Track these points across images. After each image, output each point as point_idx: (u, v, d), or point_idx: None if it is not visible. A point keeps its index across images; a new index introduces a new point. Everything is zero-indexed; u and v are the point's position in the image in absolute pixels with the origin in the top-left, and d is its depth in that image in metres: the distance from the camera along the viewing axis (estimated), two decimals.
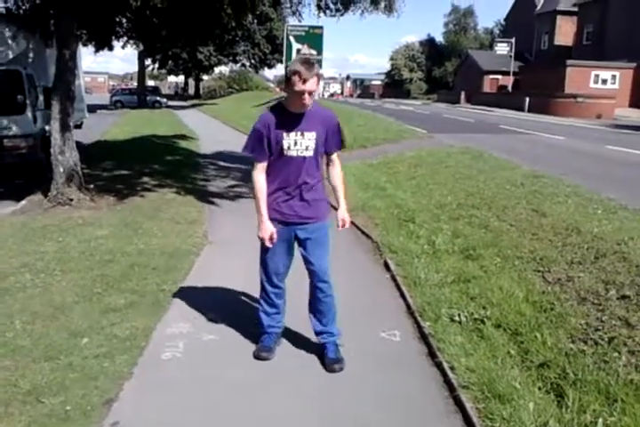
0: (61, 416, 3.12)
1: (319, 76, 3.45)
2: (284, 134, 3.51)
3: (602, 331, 3.93)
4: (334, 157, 3.79)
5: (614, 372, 3.42)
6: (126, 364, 3.73)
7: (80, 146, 10.24)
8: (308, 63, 3.39)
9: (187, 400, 3.35)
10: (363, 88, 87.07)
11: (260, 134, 3.54)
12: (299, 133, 3.52)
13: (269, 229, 3.61)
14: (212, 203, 8.85)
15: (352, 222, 7.31)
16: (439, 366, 3.77)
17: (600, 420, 2.99)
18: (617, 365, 3.49)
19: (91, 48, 12.12)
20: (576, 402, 3.18)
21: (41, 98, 10.66)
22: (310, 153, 3.57)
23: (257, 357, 3.82)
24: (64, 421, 3.08)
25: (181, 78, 74.95)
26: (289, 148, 3.52)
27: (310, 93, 3.41)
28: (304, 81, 3.34)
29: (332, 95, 75.19)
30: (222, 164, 12.79)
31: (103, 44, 12.30)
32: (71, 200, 7.98)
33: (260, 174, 3.65)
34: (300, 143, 3.53)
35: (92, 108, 27.31)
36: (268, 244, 3.63)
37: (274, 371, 3.69)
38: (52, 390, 3.38)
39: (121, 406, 3.27)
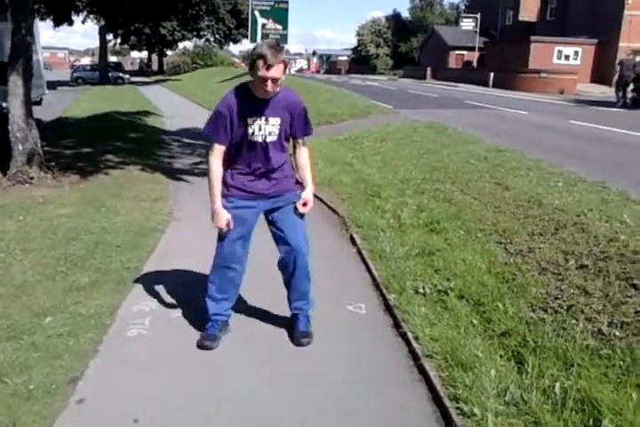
0: (25, 395, 3.09)
1: (286, 64, 3.31)
2: (248, 119, 3.39)
3: (561, 299, 4.03)
4: (301, 142, 3.67)
5: (572, 338, 3.52)
6: (91, 342, 3.71)
7: (40, 123, 10.00)
8: (275, 48, 3.21)
9: (153, 377, 3.35)
10: (329, 64, 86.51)
11: (222, 117, 3.40)
12: (262, 119, 3.40)
13: (224, 216, 3.51)
14: (177, 180, 8.77)
15: (318, 197, 7.40)
16: (404, 336, 3.84)
17: (557, 384, 3.08)
18: (575, 331, 3.59)
19: (49, 22, 11.81)
20: (535, 368, 3.27)
21: None
22: (274, 138, 3.47)
23: (200, 346, 3.66)
24: (27, 400, 3.05)
25: (145, 54, 73.47)
26: (253, 133, 3.41)
27: (275, 81, 3.25)
28: (268, 67, 3.17)
29: (300, 70, 74.38)
30: (187, 140, 12.64)
31: (62, 18, 12.02)
32: (32, 179, 7.83)
33: (217, 158, 3.49)
34: (264, 129, 3.42)
35: (53, 85, 26.71)
36: (224, 230, 3.54)
37: (240, 347, 3.71)
38: (15, 369, 3.34)
39: (86, 383, 3.26)
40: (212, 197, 3.51)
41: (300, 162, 3.69)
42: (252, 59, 3.25)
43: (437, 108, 18.93)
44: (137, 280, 4.75)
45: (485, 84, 35.22)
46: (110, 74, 40.39)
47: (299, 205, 3.63)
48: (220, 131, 3.42)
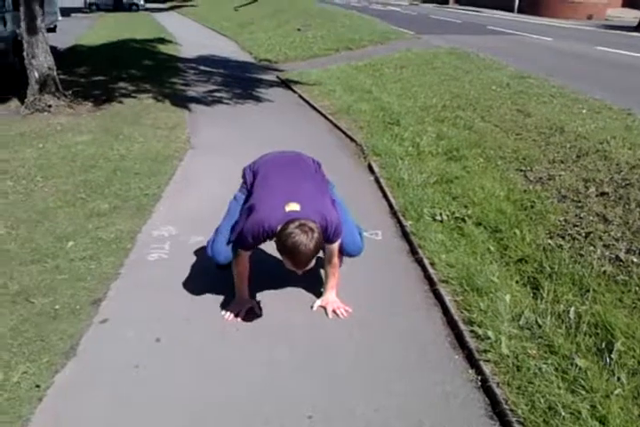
0: (51, 315, 3.20)
1: (318, 249, 2.82)
2: None
3: (579, 227, 4.01)
4: (333, 246, 3.20)
5: (589, 264, 3.53)
6: (113, 265, 3.79)
7: (55, 51, 9.87)
8: (312, 253, 2.75)
9: (173, 299, 3.43)
10: None
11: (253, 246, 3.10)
12: None
13: (247, 305, 3.30)
14: (193, 108, 8.67)
15: (336, 126, 7.32)
16: (420, 262, 3.87)
17: (572, 309, 3.11)
18: (592, 258, 3.60)
19: None
20: (551, 293, 3.30)
21: None
22: None
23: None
24: (53, 319, 3.16)
25: None
26: None
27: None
28: (296, 267, 2.87)
29: None
30: (203, 68, 12.42)
31: None
32: (49, 106, 7.79)
33: (246, 259, 3.18)
34: None
35: (66, 12, 26.11)
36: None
37: (262, 272, 3.76)
38: (41, 291, 3.44)
39: (109, 304, 3.36)
40: (242, 290, 3.32)
41: (326, 260, 3.33)
42: (279, 248, 2.81)
43: (460, 33, 18.31)
44: (156, 206, 4.80)
45: (510, 10, 33.83)
46: (124, 0, 39.33)
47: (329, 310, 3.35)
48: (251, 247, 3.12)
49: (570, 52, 13.73)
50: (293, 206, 2.84)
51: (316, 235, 2.73)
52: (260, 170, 3.23)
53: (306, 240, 2.68)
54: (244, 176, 3.35)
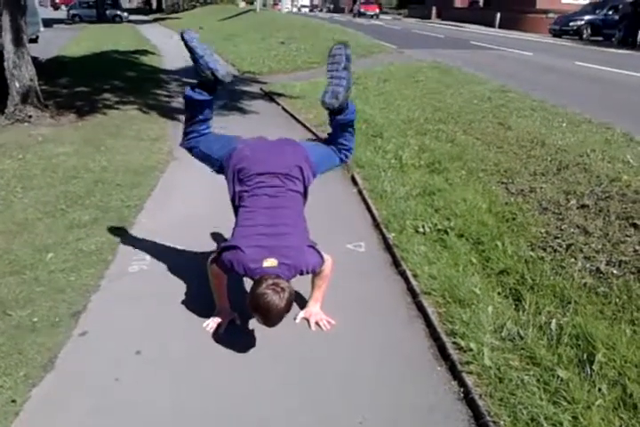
0: (29, 328, 3.15)
1: (289, 308, 2.83)
2: None
3: (560, 239, 4.04)
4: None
5: (570, 276, 3.56)
6: (93, 277, 3.75)
7: (37, 62, 9.83)
8: (276, 319, 2.81)
9: (154, 311, 3.40)
10: (333, 2, 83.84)
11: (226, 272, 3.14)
12: None
13: (229, 316, 3.32)
14: (176, 119, 8.60)
15: (320, 138, 7.33)
16: (403, 274, 3.87)
17: (554, 320, 3.13)
18: (573, 270, 3.63)
19: None
20: (532, 305, 3.31)
21: None
22: None
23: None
24: (32, 331, 3.11)
25: None
26: None
27: None
28: (267, 325, 2.88)
29: (311, 10, 69.99)
30: (185, 79, 12.36)
31: None
32: (30, 117, 7.73)
33: (221, 272, 3.16)
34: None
35: (49, 23, 26.08)
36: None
37: (243, 282, 3.73)
38: (19, 303, 3.40)
39: (89, 317, 3.32)
40: (222, 302, 3.33)
41: (313, 280, 3.36)
42: (254, 308, 2.80)
43: (442, 48, 18.49)
44: (137, 218, 4.77)
45: (491, 25, 34.27)
46: (108, 11, 39.25)
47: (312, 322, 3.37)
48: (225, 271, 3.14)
49: (550, 67, 13.90)
50: (271, 262, 2.88)
51: (286, 295, 2.76)
52: (247, 199, 3.13)
53: (277, 300, 2.72)
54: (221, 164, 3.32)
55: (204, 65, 3.20)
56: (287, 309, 2.79)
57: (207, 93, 3.31)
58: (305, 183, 3.24)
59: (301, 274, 3.03)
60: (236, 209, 3.21)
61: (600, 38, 24.23)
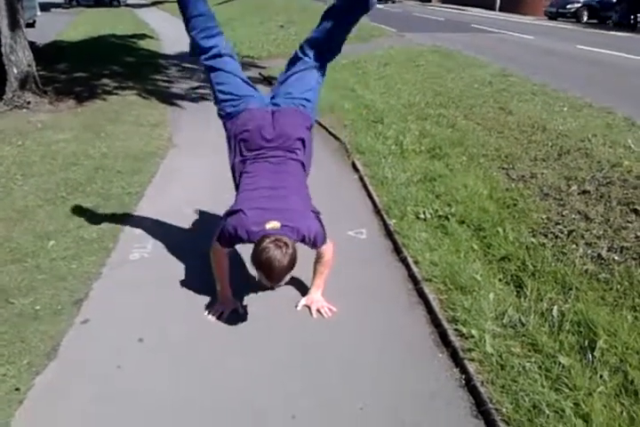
0: (32, 316, 3.16)
1: (292, 265, 2.80)
2: None
3: (562, 225, 4.04)
4: (321, 249, 3.22)
5: (571, 263, 3.56)
6: (94, 265, 3.76)
7: (34, 46, 9.77)
8: (286, 271, 2.76)
9: (156, 299, 3.41)
10: None
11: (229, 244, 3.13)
12: None
13: (232, 305, 3.32)
14: (176, 105, 8.61)
15: (320, 124, 7.30)
16: (404, 260, 3.87)
17: (555, 307, 3.13)
18: (574, 256, 3.63)
19: None
20: (534, 292, 3.32)
21: None
22: None
23: None
24: (34, 319, 3.12)
25: None
26: None
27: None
28: (270, 282, 2.86)
29: None
30: (185, 64, 12.31)
31: None
32: (29, 103, 7.70)
33: (224, 255, 3.21)
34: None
35: (45, 7, 25.84)
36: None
37: (245, 271, 3.74)
38: (21, 291, 3.40)
39: (91, 304, 3.32)
40: (224, 290, 3.32)
41: (315, 259, 3.34)
42: (256, 265, 2.78)
43: (443, 31, 18.39)
44: (138, 205, 4.76)
45: (492, 8, 33.99)
46: None
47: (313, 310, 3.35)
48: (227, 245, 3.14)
49: (551, 50, 13.82)
50: (274, 224, 2.85)
51: (290, 250, 2.73)
52: (249, 165, 3.16)
53: (280, 255, 2.69)
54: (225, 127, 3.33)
55: None
56: (290, 265, 2.76)
57: None
58: (306, 152, 3.26)
59: (303, 241, 2.98)
60: (235, 178, 3.24)
61: (596, 21, 24.11)
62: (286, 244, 2.74)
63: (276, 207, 2.93)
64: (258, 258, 2.74)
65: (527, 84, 8.64)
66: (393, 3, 39.74)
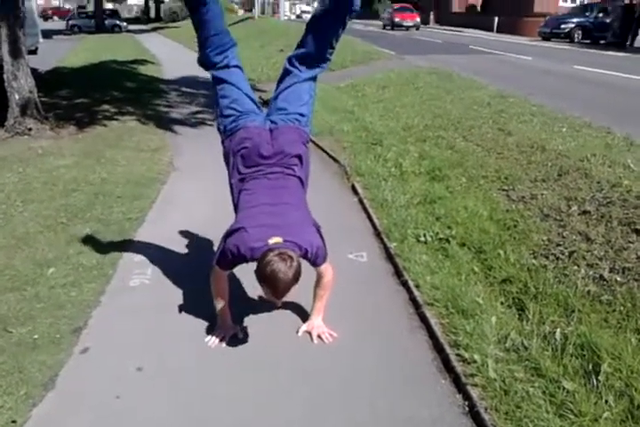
0: (30, 345, 3.13)
1: (297, 277, 2.77)
2: None
3: (563, 246, 4.02)
4: (321, 269, 3.21)
5: (573, 284, 3.53)
6: (94, 292, 3.73)
7: (36, 73, 9.85)
8: (290, 283, 2.73)
9: (156, 326, 3.38)
10: None
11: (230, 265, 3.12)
12: None
13: (231, 331, 3.28)
14: (176, 130, 8.66)
15: (319, 146, 7.33)
16: (405, 284, 3.85)
17: (558, 330, 3.10)
18: (576, 277, 3.60)
19: None
20: (536, 315, 3.29)
21: None
22: None
23: None
24: (32, 349, 3.09)
25: (141, 0, 71.50)
26: None
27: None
28: (275, 295, 2.84)
29: (299, 16, 70.97)
30: (185, 89, 12.42)
31: None
32: (30, 130, 7.74)
33: (224, 279, 3.20)
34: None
35: (48, 34, 26.15)
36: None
37: (245, 296, 3.72)
38: (20, 320, 3.38)
39: (90, 333, 3.30)
40: (224, 315, 3.29)
41: (315, 283, 3.32)
42: (261, 279, 2.77)
43: (441, 53, 18.53)
44: (139, 231, 4.75)
45: (490, 29, 34.38)
46: (107, 22, 39.43)
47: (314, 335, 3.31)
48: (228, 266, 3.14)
49: (549, 71, 13.91)
50: (276, 240, 2.84)
51: (294, 263, 2.72)
52: (248, 182, 3.17)
53: (284, 268, 2.67)
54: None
55: None
56: (295, 278, 2.73)
57: None
58: (304, 167, 3.27)
59: (306, 256, 2.96)
60: (234, 197, 3.24)
61: (589, 41, 24.37)
62: (291, 257, 2.73)
63: (277, 223, 2.93)
64: (262, 271, 2.72)
65: (526, 104, 8.68)
66: (417, 29, 34.98)
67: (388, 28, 35.76)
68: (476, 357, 2.92)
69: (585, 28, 24.98)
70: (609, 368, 2.75)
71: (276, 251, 2.75)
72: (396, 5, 37.72)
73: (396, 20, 35.30)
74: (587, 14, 25.25)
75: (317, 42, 3.28)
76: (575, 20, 25.61)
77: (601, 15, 24.34)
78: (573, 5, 34.30)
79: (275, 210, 3.01)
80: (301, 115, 3.35)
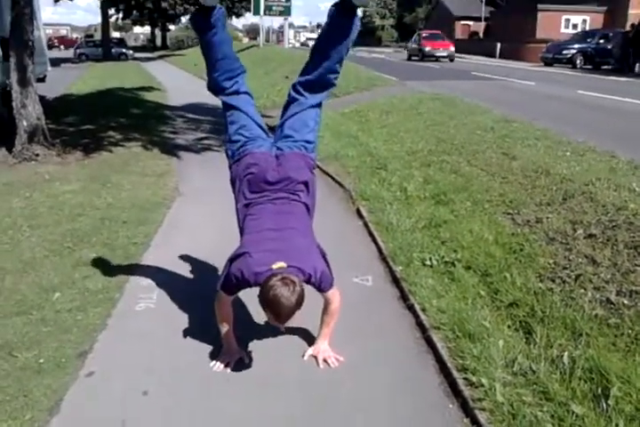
0: (35, 369, 3.12)
1: (300, 303, 2.76)
2: None
3: (569, 269, 4.01)
4: (328, 295, 3.20)
5: (580, 308, 3.51)
6: (100, 316, 3.73)
7: (44, 100, 9.98)
8: (294, 307, 2.72)
9: (161, 350, 3.37)
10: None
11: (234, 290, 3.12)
12: None
13: (237, 355, 3.26)
14: (182, 155, 8.73)
15: (324, 171, 7.37)
16: (411, 308, 3.84)
17: (566, 353, 3.08)
18: (583, 301, 3.58)
19: None
20: (543, 338, 3.27)
21: None
22: None
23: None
24: (38, 373, 3.08)
25: (147, 29, 72.67)
26: None
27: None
28: (278, 320, 2.84)
29: (304, 44, 71.79)
30: (191, 115, 12.55)
31: None
32: (37, 155, 7.81)
33: (228, 304, 3.20)
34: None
35: (56, 62, 26.51)
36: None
37: (250, 320, 3.71)
38: (25, 344, 3.37)
39: (95, 357, 3.28)
40: (229, 340, 3.28)
41: (323, 309, 3.29)
42: (264, 303, 2.77)
43: (444, 79, 18.70)
44: (144, 255, 4.76)
45: (492, 55, 34.80)
46: (113, 50, 40.06)
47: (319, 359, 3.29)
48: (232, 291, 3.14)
49: (552, 96, 14.01)
50: (280, 265, 2.85)
51: (297, 288, 2.72)
52: (253, 208, 3.20)
53: (287, 293, 2.67)
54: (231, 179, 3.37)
55: None
56: (298, 303, 2.72)
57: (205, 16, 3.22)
58: (310, 193, 3.29)
59: (309, 281, 2.95)
60: (239, 221, 3.25)
61: (590, 66, 24.61)
62: (294, 282, 2.73)
63: (281, 248, 2.93)
64: (265, 296, 2.72)
65: (530, 129, 8.72)
66: (451, 61, 30.56)
67: (416, 58, 31.72)
68: (484, 380, 2.90)
69: (586, 54, 25.24)
70: (619, 392, 2.73)
71: (280, 276, 2.75)
72: (425, 32, 34.00)
73: (427, 49, 30.82)
74: (588, 40, 25.54)
75: (321, 67, 3.32)
76: (577, 46, 25.90)
77: (602, 41, 24.62)
78: (575, 32, 34.70)
79: (279, 235, 3.02)
80: (308, 142, 3.38)
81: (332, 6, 3.21)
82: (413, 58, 32.21)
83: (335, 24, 3.22)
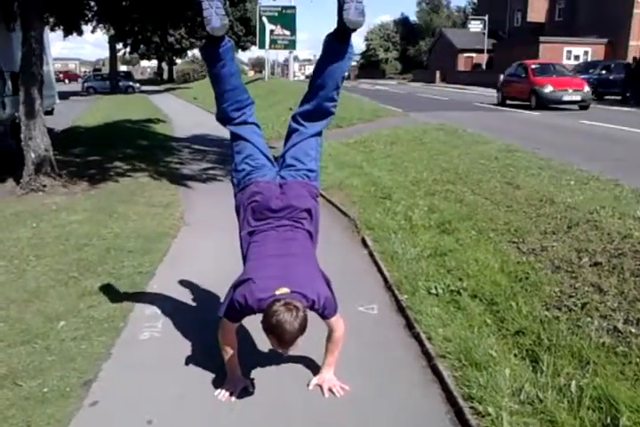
0: (39, 398, 3.11)
1: (303, 328, 2.77)
2: None
3: (575, 297, 3.99)
4: (332, 322, 3.19)
5: (587, 336, 3.48)
6: (104, 345, 3.72)
7: (52, 132, 10.11)
8: (297, 333, 2.73)
9: (165, 379, 3.35)
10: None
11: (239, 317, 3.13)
12: None
13: (241, 385, 3.24)
14: (188, 186, 8.80)
15: (329, 201, 7.40)
16: (417, 337, 3.81)
17: (573, 382, 3.05)
18: (589, 329, 3.56)
19: (60, 33, 11.90)
20: (550, 366, 3.24)
21: (9, 84, 10.44)
22: None
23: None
24: (42, 402, 3.06)
25: (154, 63, 73.89)
26: None
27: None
28: (281, 346, 2.84)
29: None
30: (196, 146, 12.69)
31: (71, 27, 12.11)
32: (44, 186, 7.90)
33: (232, 332, 3.18)
34: None
35: (65, 95, 26.91)
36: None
37: (254, 348, 3.70)
38: (30, 373, 3.36)
39: (100, 386, 3.27)
40: (234, 369, 3.27)
41: (327, 337, 3.28)
42: (267, 329, 2.78)
43: (447, 110, 18.89)
44: (149, 284, 4.77)
45: (495, 87, 35.07)
46: (121, 83, 40.71)
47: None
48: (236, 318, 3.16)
49: (555, 126, 14.12)
50: (283, 290, 2.85)
51: (301, 313, 2.73)
52: (257, 235, 3.22)
53: (290, 318, 2.68)
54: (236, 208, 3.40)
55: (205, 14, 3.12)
56: (301, 328, 2.72)
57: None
58: (313, 221, 3.31)
59: (312, 308, 2.95)
60: (242, 248, 3.27)
61: (593, 97, 24.79)
62: (297, 307, 2.73)
63: (284, 275, 2.94)
64: (269, 322, 2.72)
65: (533, 158, 8.78)
66: (584, 108, 18.34)
67: (518, 102, 20.36)
68: (491, 409, 2.87)
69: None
70: (628, 422, 2.69)
71: (283, 301, 2.76)
72: (532, 62, 21.90)
73: (546, 90, 18.72)
74: (590, 71, 25.76)
75: (318, 96, 3.39)
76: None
77: (604, 72, 24.85)
78: (577, 63, 35.08)
79: (283, 261, 3.04)
80: (310, 170, 3.43)
81: (327, 35, 3.31)
82: (513, 102, 20.82)
83: (330, 51, 3.31)
